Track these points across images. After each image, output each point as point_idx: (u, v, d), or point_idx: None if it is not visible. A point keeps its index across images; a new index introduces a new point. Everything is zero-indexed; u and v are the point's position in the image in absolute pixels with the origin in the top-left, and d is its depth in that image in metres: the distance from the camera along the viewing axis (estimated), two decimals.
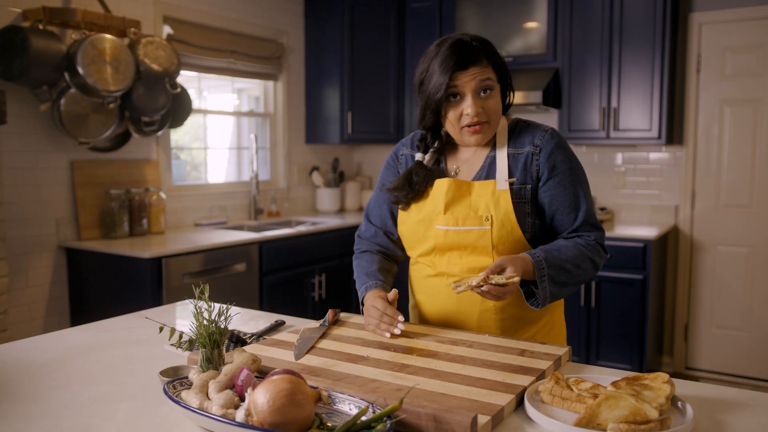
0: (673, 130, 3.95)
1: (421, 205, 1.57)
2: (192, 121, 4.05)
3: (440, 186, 1.55)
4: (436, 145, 1.61)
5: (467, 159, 1.60)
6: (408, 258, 1.72)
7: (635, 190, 4.18)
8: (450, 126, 1.54)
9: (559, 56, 3.99)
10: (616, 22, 3.81)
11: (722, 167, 3.92)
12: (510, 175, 1.52)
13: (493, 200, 1.49)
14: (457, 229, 1.51)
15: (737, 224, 3.90)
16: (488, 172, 1.55)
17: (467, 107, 1.48)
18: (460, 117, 1.50)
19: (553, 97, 3.97)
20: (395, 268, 1.75)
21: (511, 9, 4.12)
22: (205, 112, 4.17)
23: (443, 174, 1.61)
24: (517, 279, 1.33)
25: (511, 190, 1.51)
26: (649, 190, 4.14)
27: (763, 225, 3.82)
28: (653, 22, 3.72)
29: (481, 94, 1.49)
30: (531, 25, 4.09)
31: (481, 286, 1.33)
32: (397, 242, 1.71)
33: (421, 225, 1.56)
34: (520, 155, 1.54)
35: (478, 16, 4.25)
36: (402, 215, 1.62)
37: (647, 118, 3.78)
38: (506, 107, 1.60)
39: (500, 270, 1.37)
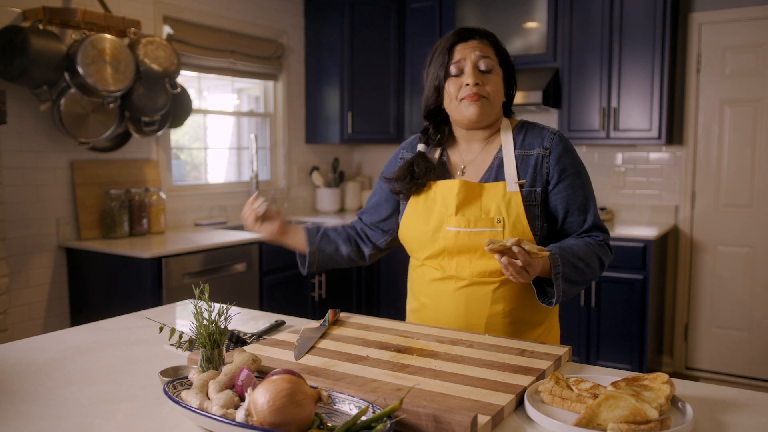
0: (673, 130, 3.96)
1: (429, 206, 1.56)
2: (192, 121, 4.05)
3: (450, 187, 1.54)
4: (437, 137, 1.63)
5: (472, 160, 1.59)
6: (408, 260, 1.71)
7: (635, 190, 4.18)
8: (449, 102, 1.55)
9: (559, 56, 3.99)
10: (616, 22, 3.81)
11: (722, 167, 3.92)
12: (519, 177, 1.52)
13: (504, 202, 1.49)
14: (469, 231, 1.50)
15: (737, 224, 3.90)
16: (497, 173, 1.55)
17: (467, 77, 1.51)
18: (460, 90, 1.52)
19: (553, 97, 3.97)
20: (344, 246, 1.73)
21: (511, 9, 4.12)
22: (205, 112, 4.17)
23: (446, 170, 1.61)
24: (546, 253, 1.33)
25: (521, 192, 1.51)
26: (649, 190, 4.14)
27: (763, 225, 3.82)
28: (653, 22, 3.72)
29: (482, 68, 1.52)
30: (531, 25, 4.09)
31: (512, 248, 1.30)
32: (373, 239, 1.74)
33: (428, 227, 1.55)
34: (529, 157, 1.53)
35: (478, 16, 4.25)
36: (408, 218, 1.61)
37: (647, 118, 3.78)
38: (509, 103, 1.61)
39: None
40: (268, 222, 1.65)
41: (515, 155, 1.54)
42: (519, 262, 1.31)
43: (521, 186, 1.51)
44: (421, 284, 1.62)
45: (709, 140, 3.94)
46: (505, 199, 1.50)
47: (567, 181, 1.52)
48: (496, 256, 1.33)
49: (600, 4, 3.85)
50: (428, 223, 1.55)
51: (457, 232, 1.51)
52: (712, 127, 3.92)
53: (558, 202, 1.53)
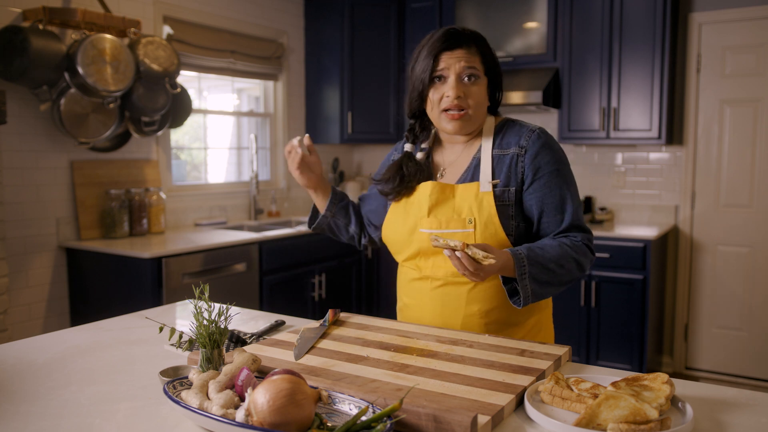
0: (673, 130, 3.96)
1: (407, 209, 1.56)
2: (192, 121, 4.05)
3: (424, 189, 1.54)
4: (423, 135, 1.62)
5: (453, 161, 1.59)
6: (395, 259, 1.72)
7: (635, 190, 4.18)
8: (431, 109, 1.54)
9: (559, 56, 3.99)
10: (616, 22, 3.82)
11: (722, 167, 3.92)
12: (494, 177, 1.51)
13: (476, 202, 1.48)
14: (441, 233, 1.50)
15: (737, 224, 3.90)
16: (473, 173, 1.54)
17: (449, 89, 1.48)
18: (441, 99, 1.50)
19: (553, 97, 3.97)
20: (354, 227, 1.77)
21: (511, 9, 4.12)
22: (205, 112, 4.17)
23: (430, 171, 1.60)
24: (493, 262, 1.30)
25: (494, 192, 1.49)
26: (649, 190, 4.14)
27: (763, 225, 3.82)
28: (653, 22, 3.72)
29: (465, 79, 1.49)
30: (531, 25, 4.09)
31: (457, 251, 1.29)
32: (369, 231, 1.78)
33: (405, 229, 1.56)
34: (505, 156, 1.52)
35: (478, 16, 4.25)
36: (389, 221, 1.61)
37: (647, 118, 3.78)
38: (495, 106, 1.59)
39: (483, 248, 1.33)
40: (308, 172, 1.65)
41: (492, 155, 1.53)
42: (466, 262, 1.30)
43: (494, 186, 1.49)
44: (403, 284, 1.64)
45: (709, 140, 3.94)
46: (477, 199, 1.48)
47: (542, 180, 1.49)
48: (445, 252, 1.31)
49: (600, 4, 3.85)
50: (405, 225, 1.55)
51: (430, 234, 1.50)
52: (712, 127, 3.92)
53: (533, 201, 1.50)
